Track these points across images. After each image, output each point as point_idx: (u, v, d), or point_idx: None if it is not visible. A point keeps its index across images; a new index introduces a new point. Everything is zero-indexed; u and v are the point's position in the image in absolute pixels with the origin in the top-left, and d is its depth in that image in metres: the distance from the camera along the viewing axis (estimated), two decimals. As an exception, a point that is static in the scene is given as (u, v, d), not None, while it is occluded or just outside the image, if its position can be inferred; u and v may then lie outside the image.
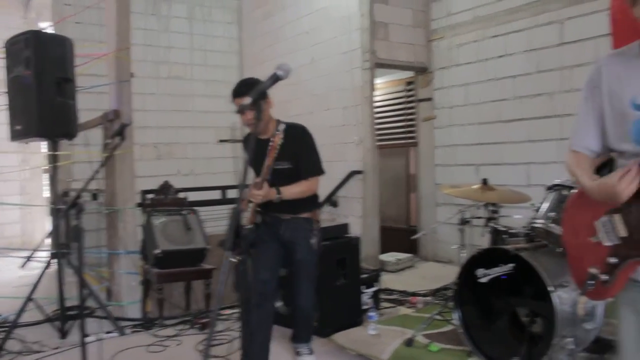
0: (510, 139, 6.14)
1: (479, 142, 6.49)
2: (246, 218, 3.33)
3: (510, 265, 3.26)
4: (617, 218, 1.81)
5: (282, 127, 3.39)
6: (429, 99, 7.10)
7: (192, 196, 5.76)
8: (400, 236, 7.44)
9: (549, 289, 3.07)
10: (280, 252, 3.49)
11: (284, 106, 7.95)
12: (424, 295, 5.29)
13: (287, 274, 3.78)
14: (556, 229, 3.28)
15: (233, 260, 1.91)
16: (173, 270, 4.69)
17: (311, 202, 3.52)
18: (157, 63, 8.25)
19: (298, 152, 3.38)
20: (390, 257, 6.75)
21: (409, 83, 7.52)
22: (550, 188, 3.44)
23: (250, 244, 2.27)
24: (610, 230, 1.84)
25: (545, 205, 3.40)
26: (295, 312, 3.67)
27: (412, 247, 7.24)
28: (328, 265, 4.18)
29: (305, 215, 3.47)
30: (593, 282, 1.87)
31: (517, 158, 6.04)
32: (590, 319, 3.33)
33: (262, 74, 8.14)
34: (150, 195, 5.35)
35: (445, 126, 6.90)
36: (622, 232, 1.80)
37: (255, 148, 3.22)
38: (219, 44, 8.91)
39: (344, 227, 4.62)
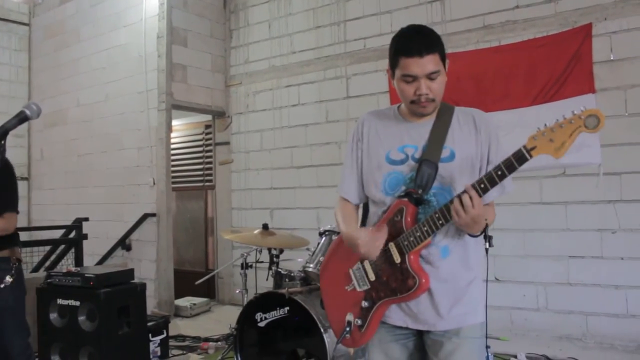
0: (302, 184, 6.45)
1: (272, 186, 6.72)
2: None
3: (286, 309, 3.38)
4: (367, 264, 1.96)
5: None
6: (226, 143, 7.20)
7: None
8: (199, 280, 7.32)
9: (321, 329, 3.24)
10: None
11: (76, 144, 7.53)
12: (217, 340, 5.25)
13: None
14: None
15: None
16: None
17: (8, 240, 3.06)
18: None
19: None
20: (185, 302, 6.60)
21: (208, 126, 7.56)
22: (322, 234, 3.65)
23: None
24: (362, 277, 1.98)
25: (317, 250, 3.60)
26: None
27: (210, 291, 7.17)
28: (109, 313, 3.96)
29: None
30: (349, 328, 1.99)
31: (308, 202, 6.35)
32: (361, 355, 3.56)
33: (53, 108, 7.60)
34: None
35: (241, 170, 7.03)
36: (372, 276, 1.95)
37: None
38: (3, 72, 8.19)
39: (128, 273, 4.41)
